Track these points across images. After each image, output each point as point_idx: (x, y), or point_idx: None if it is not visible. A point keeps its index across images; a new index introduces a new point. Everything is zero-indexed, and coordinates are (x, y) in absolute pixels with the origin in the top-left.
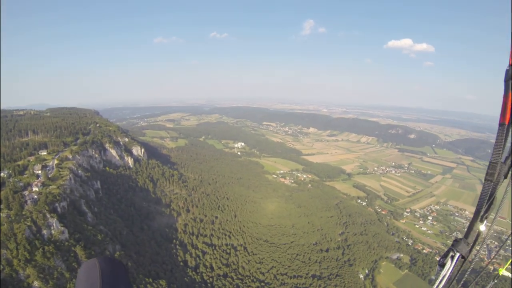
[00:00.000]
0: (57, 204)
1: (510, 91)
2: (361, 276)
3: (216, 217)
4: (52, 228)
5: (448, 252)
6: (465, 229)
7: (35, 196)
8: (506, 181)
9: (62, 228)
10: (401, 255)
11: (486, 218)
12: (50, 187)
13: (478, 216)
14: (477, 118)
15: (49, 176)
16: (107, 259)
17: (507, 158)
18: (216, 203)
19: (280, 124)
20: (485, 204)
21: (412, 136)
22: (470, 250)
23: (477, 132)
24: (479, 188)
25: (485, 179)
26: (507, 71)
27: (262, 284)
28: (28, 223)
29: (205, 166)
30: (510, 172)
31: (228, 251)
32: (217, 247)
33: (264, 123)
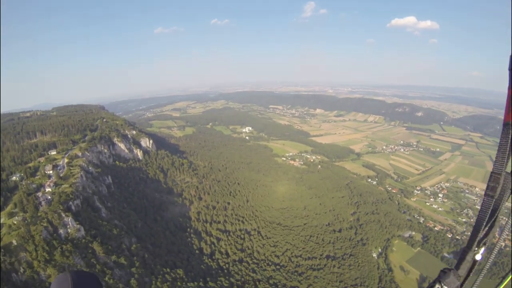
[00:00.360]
0: (71, 203)
1: None
2: (375, 255)
3: (228, 203)
4: (68, 226)
5: (433, 283)
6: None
7: (49, 197)
8: None
9: (78, 226)
10: (413, 233)
11: (485, 244)
12: (63, 186)
13: (474, 241)
14: (484, 94)
15: (61, 175)
16: (79, 272)
17: None
18: (228, 189)
19: (286, 107)
20: (484, 226)
21: (419, 114)
22: (462, 284)
23: (485, 108)
24: (488, 164)
25: (485, 194)
26: None
27: (278, 267)
28: (45, 224)
29: (214, 153)
30: None
31: (242, 236)
32: (231, 233)
33: (271, 106)
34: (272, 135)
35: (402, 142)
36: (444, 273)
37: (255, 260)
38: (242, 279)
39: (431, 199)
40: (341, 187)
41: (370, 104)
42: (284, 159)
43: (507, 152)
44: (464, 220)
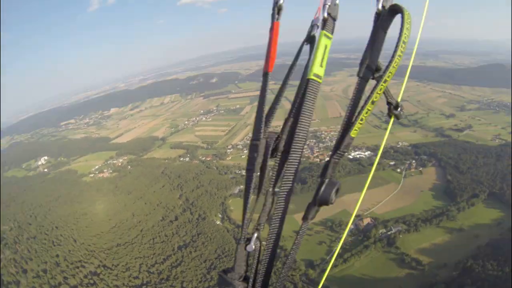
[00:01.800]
0: None
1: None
2: (218, 222)
3: (57, 255)
4: None
5: None
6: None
7: None
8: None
9: None
10: (241, 186)
11: (258, 229)
12: None
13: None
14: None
15: None
16: None
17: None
18: (49, 239)
19: (79, 118)
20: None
21: (213, 80)
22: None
23: None
24: (285, 104)
25: (247, 169)
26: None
27: (144, 286)
28: None
29: (15, 207)
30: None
31: (92, 281)
32: (79, 287)
33: (62, 123)
34: (71, 155)
35: (202, 111)
36: (221, 277)
37: None
38: None
39: (245, 151)
40: (157, 178)
41: (164, 85)
42: (92, 175)
43: (264, 113)
44: None
